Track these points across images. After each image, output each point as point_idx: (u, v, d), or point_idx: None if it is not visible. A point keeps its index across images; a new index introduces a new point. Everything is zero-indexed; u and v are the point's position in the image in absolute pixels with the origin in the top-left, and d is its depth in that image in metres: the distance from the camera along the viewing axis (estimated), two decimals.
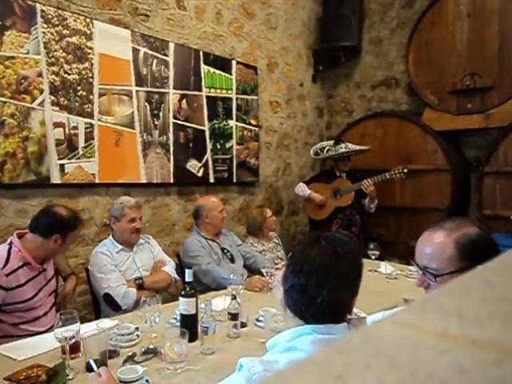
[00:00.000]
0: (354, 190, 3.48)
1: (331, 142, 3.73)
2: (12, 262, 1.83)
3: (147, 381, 1.30)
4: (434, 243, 1.12)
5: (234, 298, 1.77)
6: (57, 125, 2.61)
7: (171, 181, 3.23)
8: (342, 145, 3.59)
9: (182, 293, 1.64)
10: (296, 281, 0.97)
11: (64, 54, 2.63)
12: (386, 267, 2.67)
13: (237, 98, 3.70)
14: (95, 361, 1.28)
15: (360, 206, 3.59)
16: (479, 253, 1.03)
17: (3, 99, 2.39)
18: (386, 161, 3.78)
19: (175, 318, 1.79)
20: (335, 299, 0.96)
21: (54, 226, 1.90)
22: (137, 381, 1.26)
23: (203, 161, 3.44)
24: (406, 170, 3.30)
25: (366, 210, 3.58)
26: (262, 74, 3.98)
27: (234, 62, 3.66)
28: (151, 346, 1.52)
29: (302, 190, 3.63)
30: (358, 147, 3.61)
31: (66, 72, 2.65)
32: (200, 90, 3.41)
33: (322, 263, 0.96)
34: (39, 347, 1.54)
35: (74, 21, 2.67)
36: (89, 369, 1.37)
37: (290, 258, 1.04)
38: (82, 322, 1.52)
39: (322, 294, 0.94)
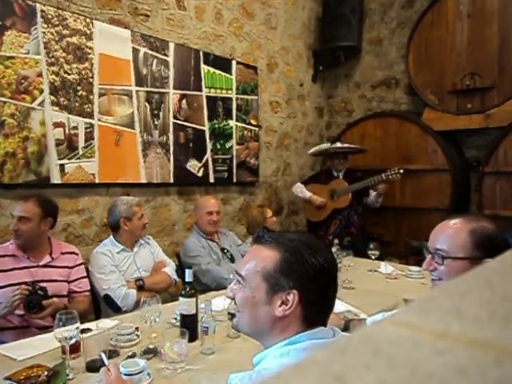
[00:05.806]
0: (350, 191, 3.47)
1: (329, 144, 3.76)
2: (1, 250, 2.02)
3: (149, 374, 1.30)
4: (450, 227, 1.14)
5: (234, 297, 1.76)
6: (57, 125, 2.61)
7: (171, 181, 3.23)
8: (338, 143, 3.64)
9: (182, 293, 1.64)
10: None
11: (64, 54, 2.63)
12: (386, 267, 2.66)
13: (237, 98, 3.70)
14: (104, 352, 1.28)
15: (362, 205, 3.57)
16: (493, 248, 1.04)
17: (3, 99, 2.39)
18: (386, 161, 3.78)
19: (175, 318, 1.79)
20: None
21: None
22: (139, 373, 1.26)
23: (203, 161, 3.44)
24: (401, 171, 3.26)
25: (370, 205, 3.56)
26: (262, 74, 3.98)
27: (234, 62, 3.65)
28: (151, 346, 1.52)
29: (302, 191, 3.63)
30: (354, 146, 3.64)
31: (66, 72, 2.65)
32: (200, 90, 3.41)
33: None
34: (39, 347, 1.54)
35: (74, 21, 2.67)
36: (89, 368, 1.38)
37: None
38: (81, 322, 1.52)
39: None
